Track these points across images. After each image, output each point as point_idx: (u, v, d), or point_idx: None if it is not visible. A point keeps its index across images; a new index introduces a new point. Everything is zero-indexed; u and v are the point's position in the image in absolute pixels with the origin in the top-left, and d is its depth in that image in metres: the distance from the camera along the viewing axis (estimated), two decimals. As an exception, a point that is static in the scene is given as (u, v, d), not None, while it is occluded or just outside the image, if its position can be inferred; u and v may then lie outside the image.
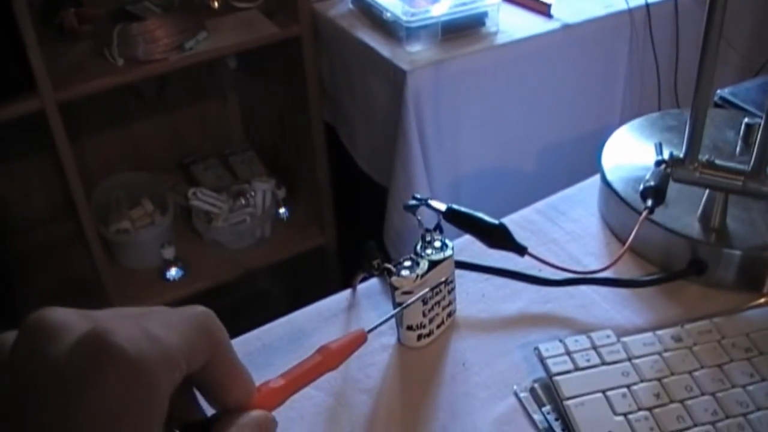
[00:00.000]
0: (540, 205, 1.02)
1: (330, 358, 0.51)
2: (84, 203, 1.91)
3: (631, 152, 1.01)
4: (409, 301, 0.74)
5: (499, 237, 0.83)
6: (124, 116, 2.33)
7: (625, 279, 0.87)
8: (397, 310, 0.73)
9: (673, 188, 0.88)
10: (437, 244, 0.79)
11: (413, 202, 0.84)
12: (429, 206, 0.84)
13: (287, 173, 2.37)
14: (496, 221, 0.84)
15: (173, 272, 2.13)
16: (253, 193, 2.20)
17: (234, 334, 0.65)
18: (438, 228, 0.80)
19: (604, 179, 0.97)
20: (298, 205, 2.36)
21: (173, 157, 2.47)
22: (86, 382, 0.33)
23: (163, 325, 0.37)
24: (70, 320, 0.36)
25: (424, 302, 0.78)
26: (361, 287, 0.89)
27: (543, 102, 1.88)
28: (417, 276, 0.76)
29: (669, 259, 0.89)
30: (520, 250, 0.84)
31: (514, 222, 0.98)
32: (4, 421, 0.34)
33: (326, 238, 2.28)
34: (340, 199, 2.25)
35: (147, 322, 0.37)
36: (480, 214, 0.84)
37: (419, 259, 0.78)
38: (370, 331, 0.58)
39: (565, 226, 0.97)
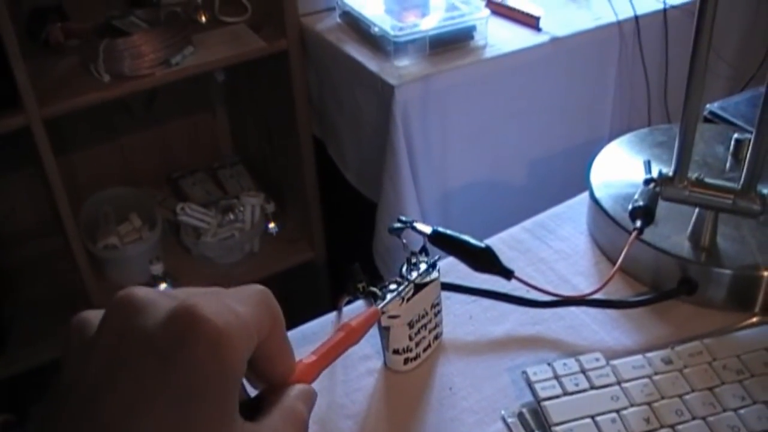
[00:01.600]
0: (528, 223, 1.00)
1: (351, 334, 0.55)
2: (71, 219, 1.89)
3: (619, 169, 1.00)
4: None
5: (485, 260, 0.82)
6: (112, 130, 2.32)
7: (614, 300, 0.86)
8: (408, 283, 0.75)
9: (662, 206, 0.87)
10: (423, 266, 0.78)
11: (398, 225, 0.82)
12: (414, 229, 0.83)
13: (276, 187, 2.36)
14: (482, 244, 0.83)
15: (162, 288, 2.11)
16: (242, 208, 2.19)
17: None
18: (424, 250, 0.79)
19: (592, 197, 0.96)
20: (287, 220, 2.34)
21: (162, 172, 2.46)
22: (179, 351, 0.36)
23: (238, 300, 0.40)
24: (156, 297, 0.39)
25: (411, 326, 0.77)
26: (347, 309, 0.87)
27: (532, 115, 1.87)
28: (402, 300, 0.74)
29: (659, 279, 0.88)
30: (507, 273, 0.82)
31: (502, 241, 0.97)
32: (97, 391, 0.36)
33: (315, 253, 2.27)
34: (330, 213, 2.24)
35: (224, 298, 0.40)
36: (466, 237, 0.83)
37: (405, 282, 0.76)
38: (382, 307, 0.68)
39: (554, 245, 0.96)
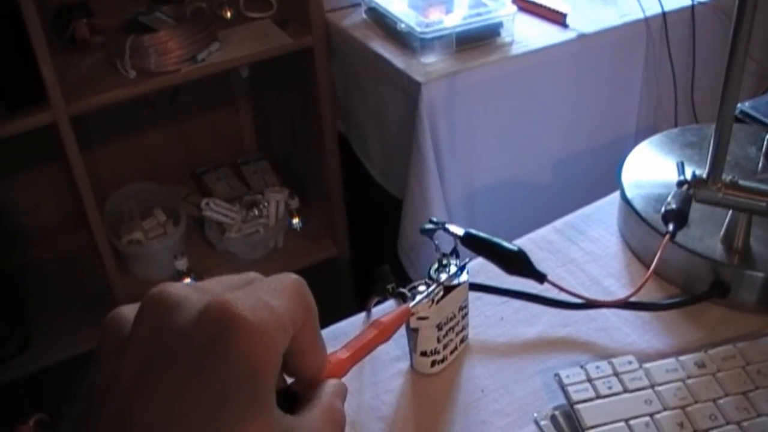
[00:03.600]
0: (558, 224, 1.00)
1: (384, 331, 0.54)
2: (96, 215, 1.90)
3: (651, 169, 0.99)
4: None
5: (518, 263, 0.82)
6: (136, 126, 2.32)
7: (646, 302, 0.86)
8: (436, 285, 0.75)
9: (695, 208, 0.86)
10: (452, 268, 0.77)
11: (430, 226, 0.82)
12: (446, 231, 0.82)
13: (300, 183, 2.36)
14: (514, 247, 0.82)
15: (186, 283, 2.11)
16: (266, 204, 2.19)
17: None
18: (454, 252, 0.79)
19: (624, 197, 0.96)
20: (311, 215, 2.34)
21: (185, 167, 2.46)
22: (213, 350, 0.36)
23: (271, 293, 0.39)
24: (189, 293, 0.38)
25: (439, 328, 0.77)
26: (376, 310, 0.87)
27: (558, 112, 1.86)
28: (432, 301, 0.74)
29: (691, 281, 0.88)
30: (540, 277, 0.82)
31: (532, 242, 0.97)
32: (133, 393, 0.36)
33: (339, 249, 2.27)
34: (353, 210, 2.23)
35: (257, 291, 0.39)
36: (498, 240, 0.82)
37: (435, 283, 0.76)
38: (413, 306, 0.69)
39: (585, 246, 0.96)
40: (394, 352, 0.82)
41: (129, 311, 0.39)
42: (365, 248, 2.26)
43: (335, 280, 2.32)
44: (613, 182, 0.99)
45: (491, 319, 0.86)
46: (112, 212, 2.17)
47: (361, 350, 0.51)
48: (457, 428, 0.75)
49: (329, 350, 0.46)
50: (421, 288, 0.76)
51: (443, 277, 0.76)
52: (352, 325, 0.86)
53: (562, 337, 0.83)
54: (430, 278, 0.77)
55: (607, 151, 1.94)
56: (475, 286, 0.85)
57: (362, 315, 0.87)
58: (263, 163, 2.47)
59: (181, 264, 2.09)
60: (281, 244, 2.25)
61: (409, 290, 0.76)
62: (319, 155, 2.14)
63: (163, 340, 0.37)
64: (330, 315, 0.87)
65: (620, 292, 0.86)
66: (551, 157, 1.92)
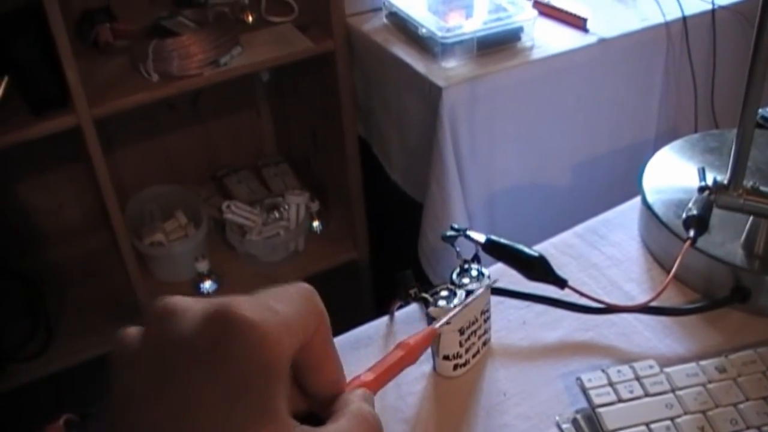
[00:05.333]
0: (579, 228, 1.00)
1: (409, 353, 0.53)
2: (119, 218, 1.91)
3: (671, 174, 1.00)
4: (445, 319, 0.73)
5: (538, 270, 0.82)
6: (157, 128, 2.34)
7: (667, 307, 0.86)
8: (469, 300, 0.74)
9: (716, 213, 0.86)
10: (474, 273, 0.78)
11: (451, 232, 0.83)
12: (468, 237, 0.83)
13: (320, 186, 2.37)
14: (536, 253, 0.83)
15: (207, 285, 2.13)
16: (286, 207, 2.20)
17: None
18: (476, 258, 0.80)
19: (645, 202, 0.96)
20: (332, 219, 2.35)
21: (207, 170, 2.48)
22: (218, 350, 0.37)
23: (278, 299, 0.40)
24: (192, 302, 0.39)
25: (461, 332, 0.77)
26: (399, 313, 0.88)
27: (578, 117, 1.86)
28: (454, 306, 0.75)
29: (711, 287, 0.88)
30: (561, 283, 0.83)
31: (553, 246, 0.97)
32: (146, 401, 0.37)
33: (359, 252, 2.28)
34: (374, 213, 2.24)
35: (262, 297, 0.40)
36: (520, 246, 0.83)
37: (456, 289, 0.77)
38: (440, 326, 0.65)
39: (606, 251, 0.96)
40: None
41: (135, 329, 0.40)
42: (385, 251, 2.27)
43: (355, 283, 2.33)
44: (633, 187, 1.00)
45: (513, 323, 0.87)
46: (134, 214, 2.19)
47: (387, 373, 0.50)
48: (479, 431, 0.75)
49: (353, 358, 0.46)
50: (443, 293, 0.77)
51: (465, 282, 0.77)
52: (375, 329, 0.87)
53: (583, 341, 0.84)
54: (452, 283, 0.78)
55: (626, 155, 1.94)
56: (497, 291, 0.86)
57: (384, 319, 0.88)
58: (284, 166, 2.48)
59: (202, 266, 2.10)
60: (302, 247, 2.26)
61: (432, 295, 0.77)
62: (340, 158, 2.15)
63: (170, 347, 0.38)
64: (349, 318, 0.88)
65: (641, 297, 0.86)
66: (572, 162, 1.92)
